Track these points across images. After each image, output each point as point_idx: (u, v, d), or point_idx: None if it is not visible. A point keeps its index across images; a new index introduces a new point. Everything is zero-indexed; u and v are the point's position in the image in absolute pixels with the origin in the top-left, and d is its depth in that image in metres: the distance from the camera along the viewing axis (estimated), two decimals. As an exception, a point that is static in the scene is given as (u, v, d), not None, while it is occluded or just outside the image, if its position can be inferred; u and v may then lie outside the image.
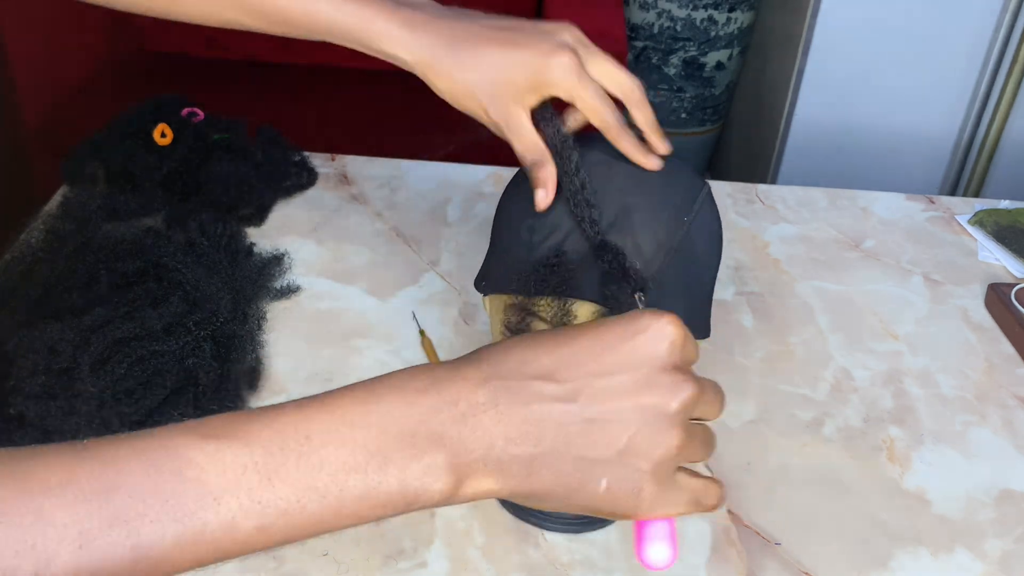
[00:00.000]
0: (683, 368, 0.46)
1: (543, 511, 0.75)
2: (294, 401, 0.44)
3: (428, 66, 0.69)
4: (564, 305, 0.66)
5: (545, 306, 0.67)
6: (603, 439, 0.44)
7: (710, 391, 0.47)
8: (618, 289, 0.64)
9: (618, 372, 0.44)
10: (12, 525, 0.38)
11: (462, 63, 0.68)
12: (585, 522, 0.77)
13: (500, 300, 0.71)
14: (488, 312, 0.75)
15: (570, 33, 0.71)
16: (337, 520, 0.42)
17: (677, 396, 0.44)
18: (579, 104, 0.68)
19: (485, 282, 0.73)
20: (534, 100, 0.69)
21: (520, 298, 0.68)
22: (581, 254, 0.66)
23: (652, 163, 0.69)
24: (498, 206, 0.75)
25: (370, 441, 0.42)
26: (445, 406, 0.43)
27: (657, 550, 0.47)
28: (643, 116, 0.71)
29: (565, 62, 0.68)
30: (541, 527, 0.76)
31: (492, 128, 0.70)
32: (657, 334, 0.45)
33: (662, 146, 0.71)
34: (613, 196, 0.68)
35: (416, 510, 0.43)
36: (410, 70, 0.71)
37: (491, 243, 0.75)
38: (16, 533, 0.38)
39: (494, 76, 0.68)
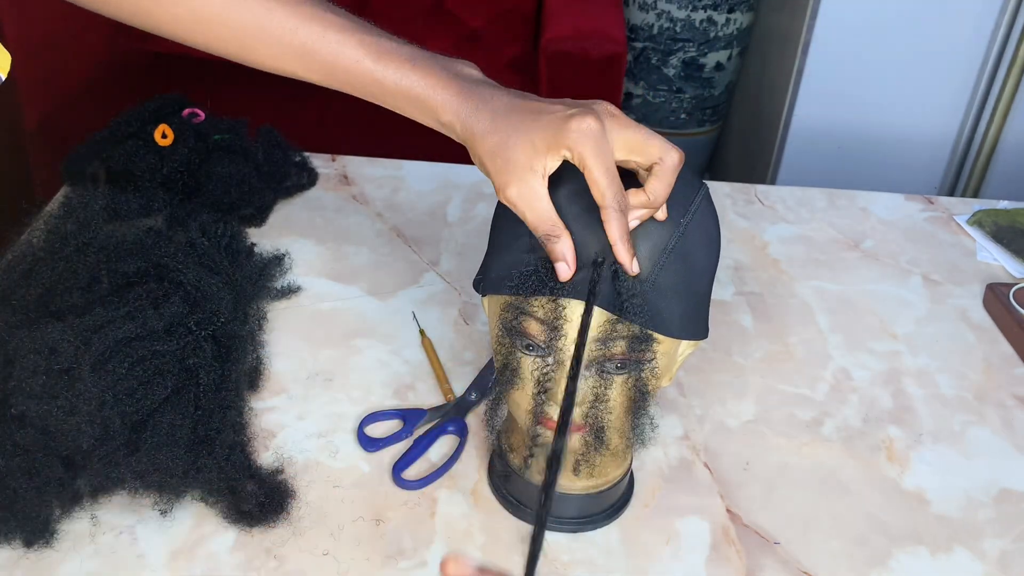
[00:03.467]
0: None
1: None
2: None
3: (469, 137, 0.70)
4: (557, 306, 0.66)
5: (539, 306, 0.67)
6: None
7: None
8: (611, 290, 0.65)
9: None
10: None
11: (496, 129, 0.68)
12: (585, 521, 0.78)
13: (497, 300, 0.71)
14: (487, 312, 0.75)
15: (602, 105, 0.68)
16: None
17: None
18: (586, 173, 0.66)
19: (483, 282, 0.73)
20: (552, 163, 0.66)
21: (517, 298, 0.68)
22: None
23: (624, 259, 0.66)
24: (497, 206, 0.75)
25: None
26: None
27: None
28: (652, 191, 0.67)
29: (585, 125, 0.65)
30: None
31: (508, 197, 0.68)
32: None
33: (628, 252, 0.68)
34: None
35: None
36: (455, 138, 0.72)
37: (489, 243, 0.75)
38: None
39: (516, 139, 0.67)
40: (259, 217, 1.11)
